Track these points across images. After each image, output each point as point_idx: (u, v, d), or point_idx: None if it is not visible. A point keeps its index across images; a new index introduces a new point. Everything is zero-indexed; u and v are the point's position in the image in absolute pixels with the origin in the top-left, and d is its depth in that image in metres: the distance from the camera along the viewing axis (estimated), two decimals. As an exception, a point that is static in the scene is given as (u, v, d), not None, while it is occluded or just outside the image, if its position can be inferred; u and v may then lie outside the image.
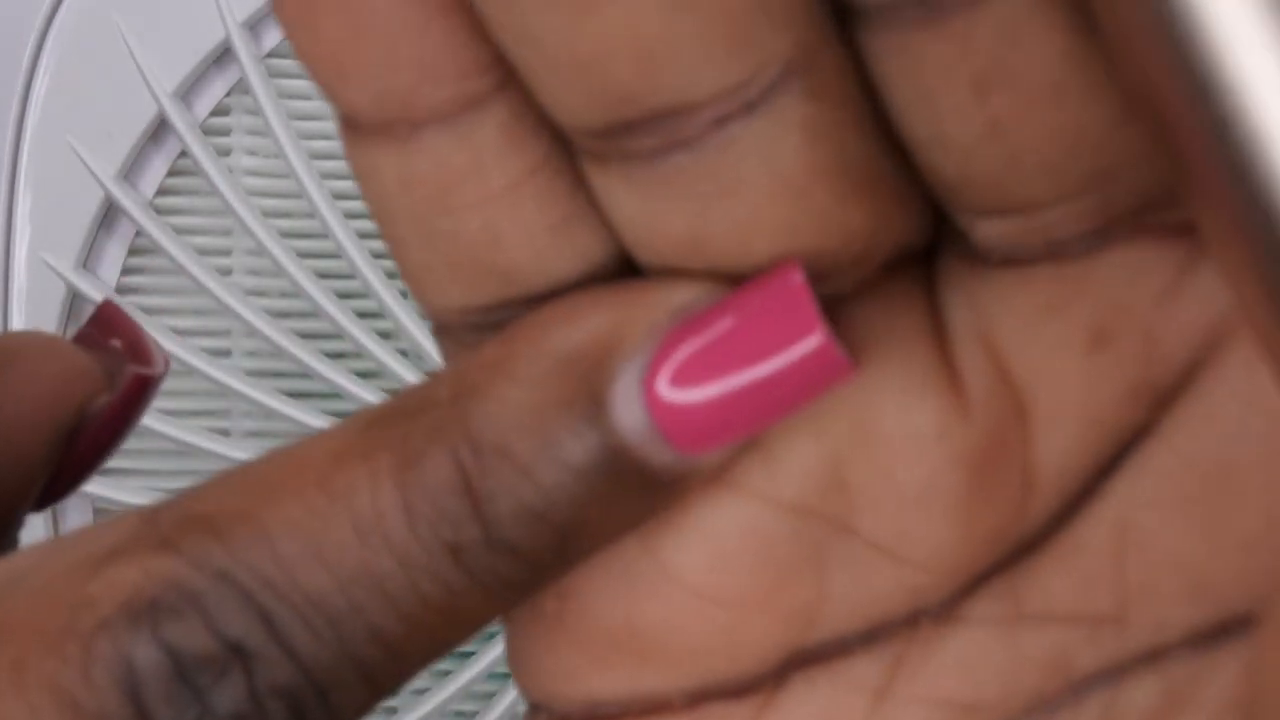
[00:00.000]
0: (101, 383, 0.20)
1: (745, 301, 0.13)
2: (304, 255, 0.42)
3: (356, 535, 0.13)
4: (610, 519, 0.13)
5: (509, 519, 0.13)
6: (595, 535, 0.13)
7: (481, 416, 0.13)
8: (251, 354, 0.43)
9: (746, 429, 0.13)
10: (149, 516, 0.13)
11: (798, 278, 0.13)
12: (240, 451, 0.42)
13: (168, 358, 0.21)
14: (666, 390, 0.13)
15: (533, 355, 0.13)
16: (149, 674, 0.12)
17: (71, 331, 0.43)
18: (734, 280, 0.13)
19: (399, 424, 0.13)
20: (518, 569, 0.13)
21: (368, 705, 0.13)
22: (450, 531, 0.13)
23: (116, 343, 0.21)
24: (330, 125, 0.42)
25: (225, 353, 0.43)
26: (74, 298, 0.42)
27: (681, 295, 0.13)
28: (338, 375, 0.41)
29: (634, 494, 0.13)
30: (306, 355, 0.41)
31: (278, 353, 0.42)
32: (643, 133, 0.12)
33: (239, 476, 0.14)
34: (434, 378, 0.14)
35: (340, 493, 0.13)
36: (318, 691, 0.13)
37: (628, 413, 0.13)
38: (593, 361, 0.13)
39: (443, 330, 0.15)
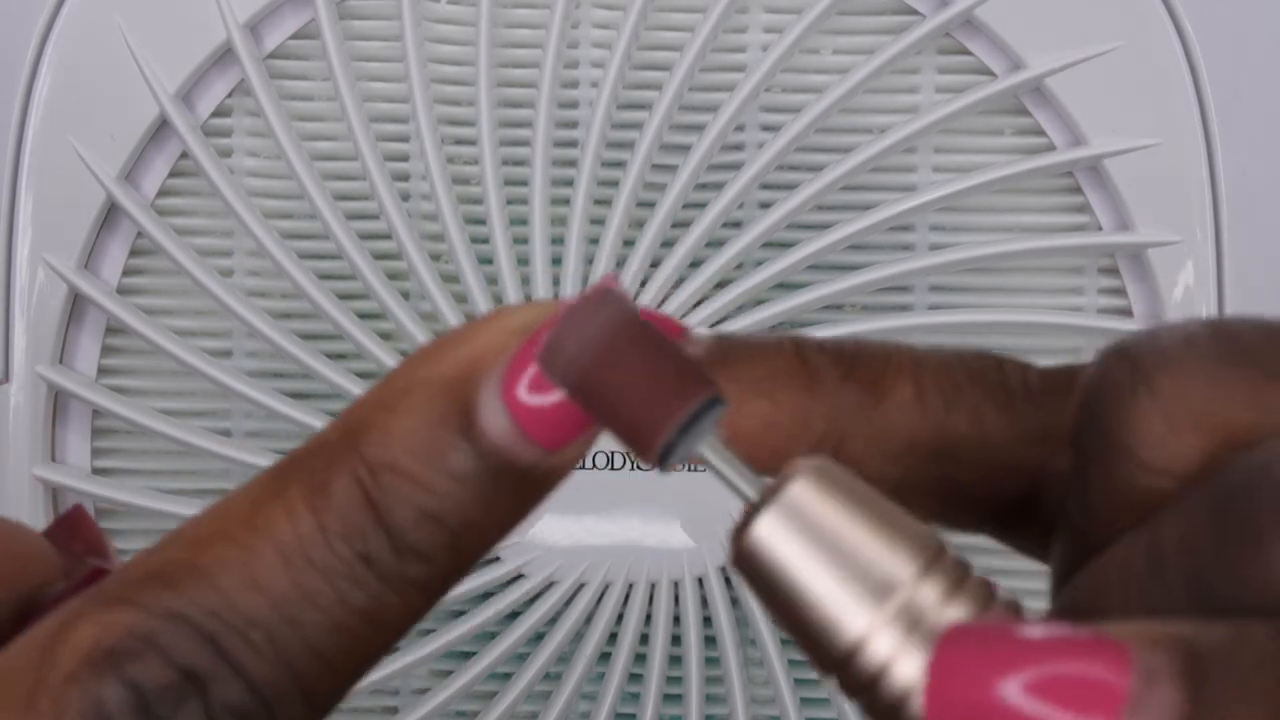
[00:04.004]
0: (57, 571, 0.22)
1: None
2: (305, 256, 0.42)
3: (283, 560, 0.15)
4: (494, 516, 0.16)
5: (409, 525, 0.16)
6: (483, 532, 0.16)
7: (372, 443, 0.16)
8: (252, 355, 0.43)
9: (594, 421, 0.16)
10: (92, 590, 0.15)
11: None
12: (241, 452, 0.42)
13: (117, 556, 0.24)
14: (524, 396, 0.15)
15: (405, 389, 0.16)
16: (117, 711, 0.15)
17: (73, 331, 0.43)
18: None
19: (302, 464, 0.16)
20: (422, 569, 0.16)
21: None
22: (361, 543, 0.15)
23: (78, 546, 0.23)
24: (332, 126, 0.43)
25: (226, 353, 0.43)
26: (75, 298, 0.42)
27: (520, 318, 0.16)
28: (338, 376, 0.41)
29: (510, 491, 0.16)
30: (307, 356, 0.41)
31: (279, 354, 0.42)
32: None
33: (170, 538, 0.16)
34: (323, 429, 0.16)
35: (262, 527, 0.15)
36: (265, 708, 0.15)
37: (493, 419, 0.15)
38: (457, 384, 0.16)
39: None
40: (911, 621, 0.14)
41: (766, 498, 0.15)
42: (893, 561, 0.14)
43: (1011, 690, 0.13)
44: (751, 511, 0.15)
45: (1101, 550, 0.15)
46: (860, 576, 0.14)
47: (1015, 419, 0.17)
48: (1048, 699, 0.12)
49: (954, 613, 0.14)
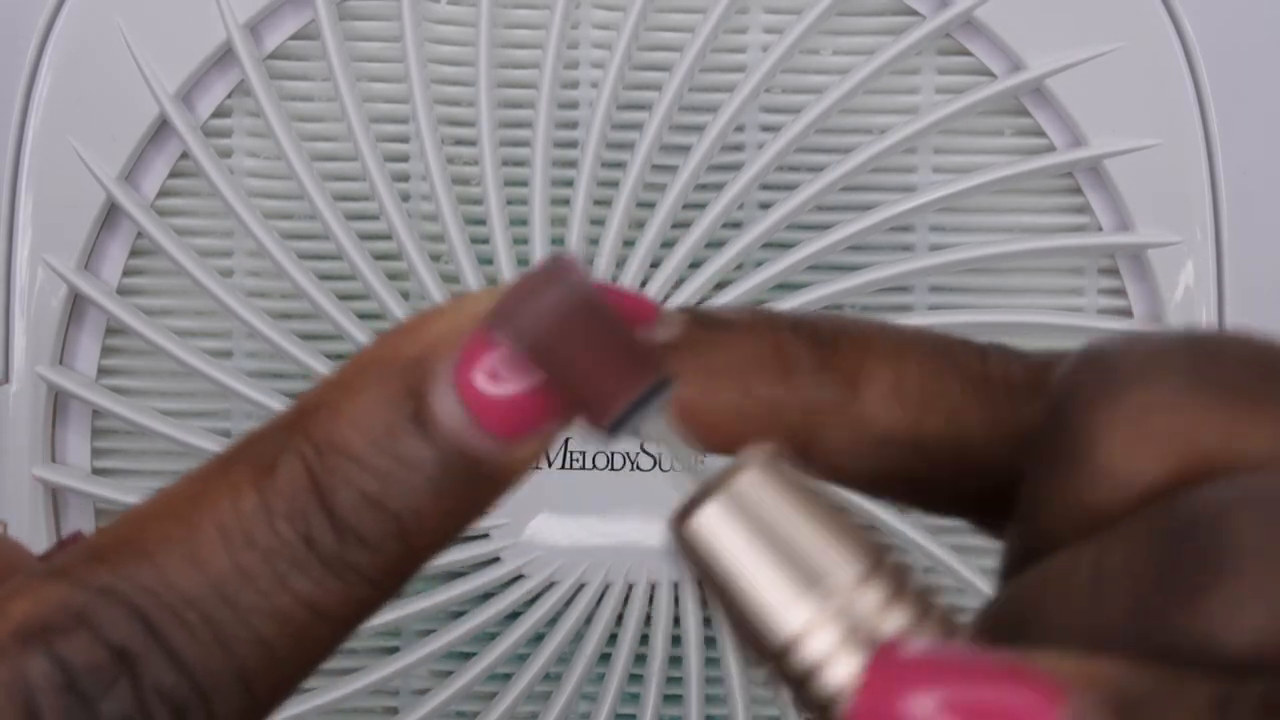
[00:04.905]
0: None
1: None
2: (305, 257, 0.42)
3: (223, 538, 0.15)
4: (444, 508, 0.15)
5: (350, 507, 0.15)
6: (432, 524, 0.15)
7: (321, 422, 0.15)
8: (252, 355, 0.43)
9: (555, 414, 0.15)
10: (38, 566, 0.15)
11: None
12: (241, 452, 0.42)
13: None
14: (478, 382, 0.15)
15: (363, 368, 0.15)
16: (42, 688, 0.14)
17: (73, 331, 0.43)
18: None
19: (253, 443, 0.15)
20: (365, 556, 0.15)
21: (248, 717, 0.15)
22: (304, 524, 0.15)
23: None
24: (332, 127, 0.43)
25: (226, 354, 0.43)
26: (75, 298, 0.42)
27: (482, 303, 0.15)
28: (338, 376, 0.41)
29: (462, 483, 0.15)
30: (307, 357, 0.41)
31: (279, 354, 0.42)
32: None
33: (123, 517, 0.15)
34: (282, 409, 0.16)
35: (205, 504, 0.15)
36: (200, 695, 0.15)
37: (444, 405, 0.15)
38: (412, 367, 0.15)
39: None
40: (849, 625, 0.14)
41: (713, 486, 0.15)
42: (835, 563, 0.14)
43: (938, 712, 0.12)
44: (696, 498, 0.15)
45: (1047, 553, 0.15)
46: (801, 574, 0.14)
47: (993, 416, 0.17)
48: None
49: (892, 621, 0.14)
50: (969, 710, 0.12)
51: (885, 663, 0.13)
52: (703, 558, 0.15)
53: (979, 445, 0.17)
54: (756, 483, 0.15)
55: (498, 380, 0.15)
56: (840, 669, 0.14)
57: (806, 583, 0.14)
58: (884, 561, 0.15)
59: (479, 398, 0.15)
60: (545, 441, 0.16)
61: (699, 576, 0.15)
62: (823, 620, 0.14)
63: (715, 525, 0.15)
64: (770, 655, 0.14)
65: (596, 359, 0.15)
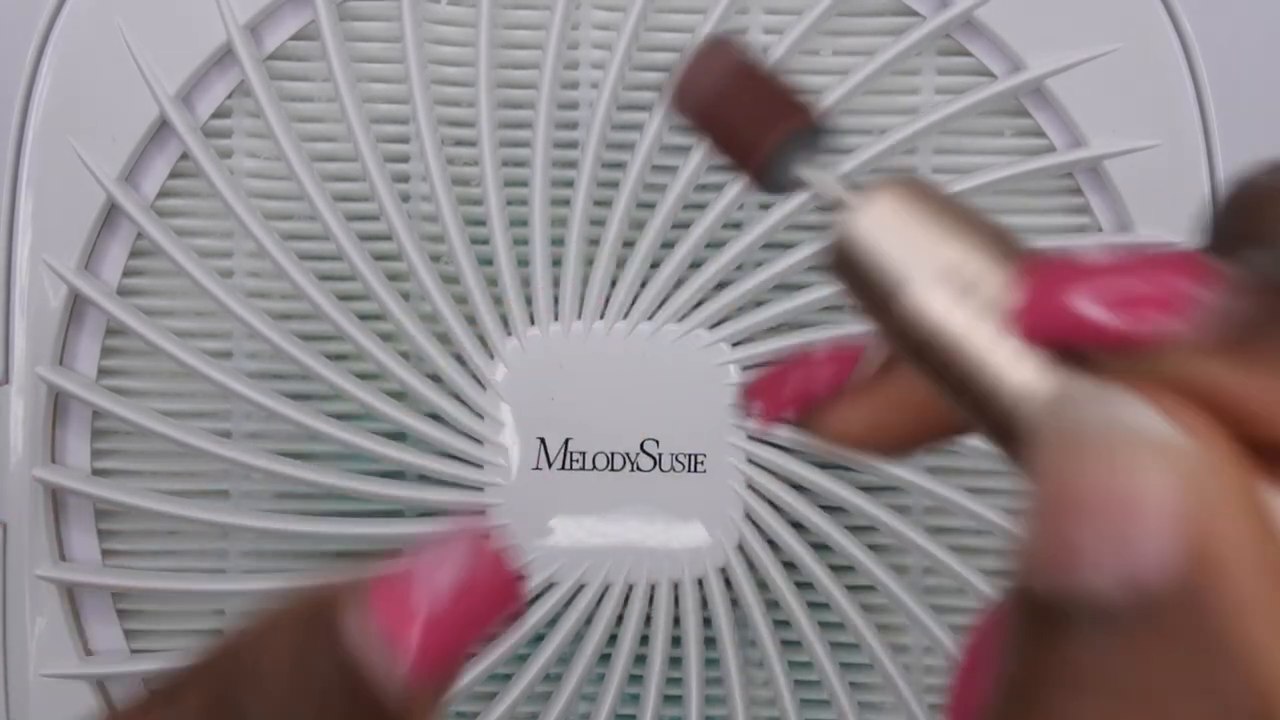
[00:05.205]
0: None
1: (439, 552, 0.16)
2: (305, 257, 0.42)
3: None
4: None
5: None
6: None
7: (231, 655, 0.15)
8: (252, 356, 0.43)
9: (450, 656, 0.16)
10: None
11: (480, 533, 0.16)
12: (241, 453, 0.42)
13: None
14: (388, 609, 0.16)
15: (292, 601, 0.16)
16: None
17: (73, 332, 0.43)
18: None
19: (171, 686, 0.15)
20: None
21: None
22: None
23: None
24: (332, 127, 0.43)
25: (226, 354, 0.43)
26: (76, 299, 0.42)
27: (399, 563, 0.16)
28: (338, 377, 0.41)
29: (370, 715, 0.15)
30: (307, 357, 0.41)
31: (279, 354, 0.42)
32: None
33: None
34: None
35: None
36: None
37: (356, 633, 0.15)
38: (327, 596, 0.16)
39: None
40: (985, 296, 0.16)
41: (857, 202, 0.17)
42: (968, 249, 0.17)
43: (1091, 299, 0.15)
44: (844, 216, 0.17)
45: None
46: (941, 266, 0.17)
47: None
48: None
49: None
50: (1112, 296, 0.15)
51: (1043, 267, 0.15)
52: (852, 259, 0.17)
53: None
54: (892, 197, 0.17)
55: (405, 610, 0.16)
56: (962, 312, 0.16)
57: (944, 270, 0.17)
58: (1017, 249, 0.17)
59: (389, 626, 0.16)
60: (445, 683, 0.16)
61: (852, 286, 0.17)
62: (958, 291, 0.16)
63: (860, 231, 0.17)
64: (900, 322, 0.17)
65: (749, 114, 0.18)
